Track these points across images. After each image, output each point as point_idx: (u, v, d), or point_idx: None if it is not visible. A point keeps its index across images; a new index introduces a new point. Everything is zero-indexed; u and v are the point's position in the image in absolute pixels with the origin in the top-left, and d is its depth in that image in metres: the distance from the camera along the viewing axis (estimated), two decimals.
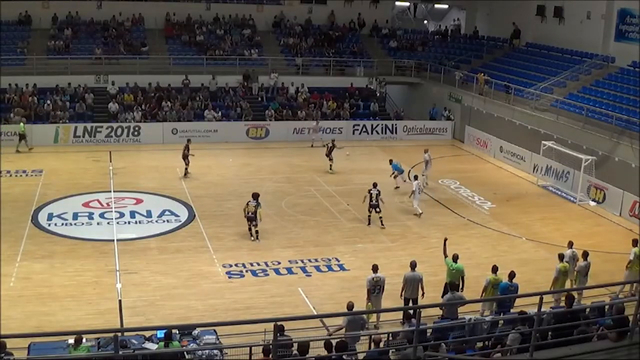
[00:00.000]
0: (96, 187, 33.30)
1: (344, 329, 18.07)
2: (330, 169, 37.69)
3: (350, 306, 18.28)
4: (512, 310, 18.78)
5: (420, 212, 31.29)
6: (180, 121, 43.79)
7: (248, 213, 27.46)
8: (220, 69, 48.30)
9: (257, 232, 27.62)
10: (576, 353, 12.09)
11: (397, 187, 34.65)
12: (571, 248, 23.10)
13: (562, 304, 16.95)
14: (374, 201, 29.52)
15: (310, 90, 48.63)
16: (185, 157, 35.40)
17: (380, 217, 29.77)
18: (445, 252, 22.07)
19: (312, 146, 42.85)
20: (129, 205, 31.32)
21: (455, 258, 21.65)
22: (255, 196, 27.67)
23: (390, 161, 35.23)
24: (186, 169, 35.57)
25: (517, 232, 29.75)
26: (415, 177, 31.91)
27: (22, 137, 39.34)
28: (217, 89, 47.19)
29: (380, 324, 20.74)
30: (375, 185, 29.98)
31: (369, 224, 29.81)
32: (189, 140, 36.30)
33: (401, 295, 20.93)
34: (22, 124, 39.81)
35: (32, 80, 43.59)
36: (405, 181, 34.40)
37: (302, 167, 38.75)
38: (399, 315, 20.35)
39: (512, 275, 20.48)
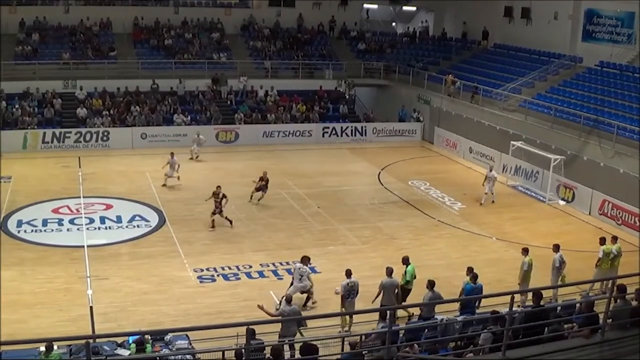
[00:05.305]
0: (65, 193, 33.00)
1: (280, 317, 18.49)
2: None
3: (289, 299, 18.97)
4: (479, 311, 18.83)
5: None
6: (149, 126, 43.57)
7: None
8: (188, 72, 48.15)
9: None
10: (548, 351, 12.20)
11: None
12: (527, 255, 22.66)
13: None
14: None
15: (280, 94, 48.51)
16: None
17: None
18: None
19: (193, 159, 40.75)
20: (99, 210, 31.09)
21: (405, 261, 21.59)
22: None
23: None
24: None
25: (488, 232, 29.91)
26: None
27: None
28: (185, 92, 47.01)
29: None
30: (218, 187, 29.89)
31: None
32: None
33: (373, 302, 20.46)
34: None
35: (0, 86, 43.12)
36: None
37: (272, 170, 38.56)
38: (372, 317, 20.50)
39: (476, 276, 20.21)
